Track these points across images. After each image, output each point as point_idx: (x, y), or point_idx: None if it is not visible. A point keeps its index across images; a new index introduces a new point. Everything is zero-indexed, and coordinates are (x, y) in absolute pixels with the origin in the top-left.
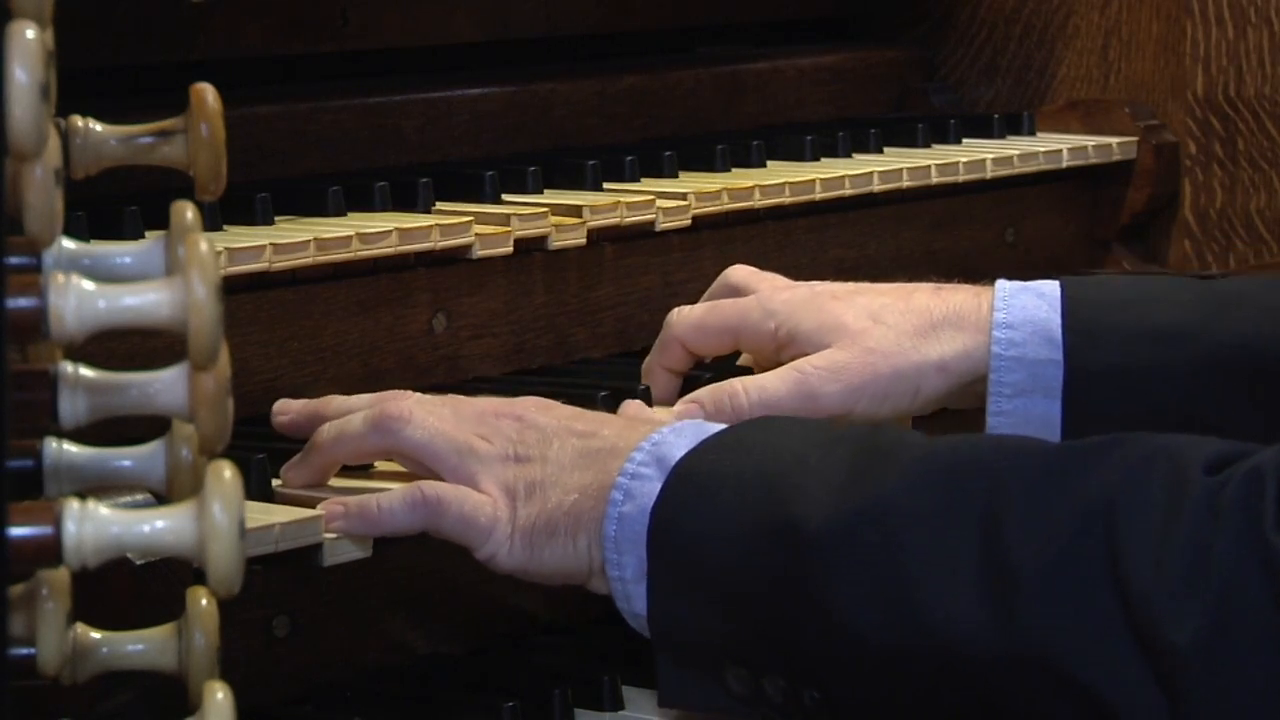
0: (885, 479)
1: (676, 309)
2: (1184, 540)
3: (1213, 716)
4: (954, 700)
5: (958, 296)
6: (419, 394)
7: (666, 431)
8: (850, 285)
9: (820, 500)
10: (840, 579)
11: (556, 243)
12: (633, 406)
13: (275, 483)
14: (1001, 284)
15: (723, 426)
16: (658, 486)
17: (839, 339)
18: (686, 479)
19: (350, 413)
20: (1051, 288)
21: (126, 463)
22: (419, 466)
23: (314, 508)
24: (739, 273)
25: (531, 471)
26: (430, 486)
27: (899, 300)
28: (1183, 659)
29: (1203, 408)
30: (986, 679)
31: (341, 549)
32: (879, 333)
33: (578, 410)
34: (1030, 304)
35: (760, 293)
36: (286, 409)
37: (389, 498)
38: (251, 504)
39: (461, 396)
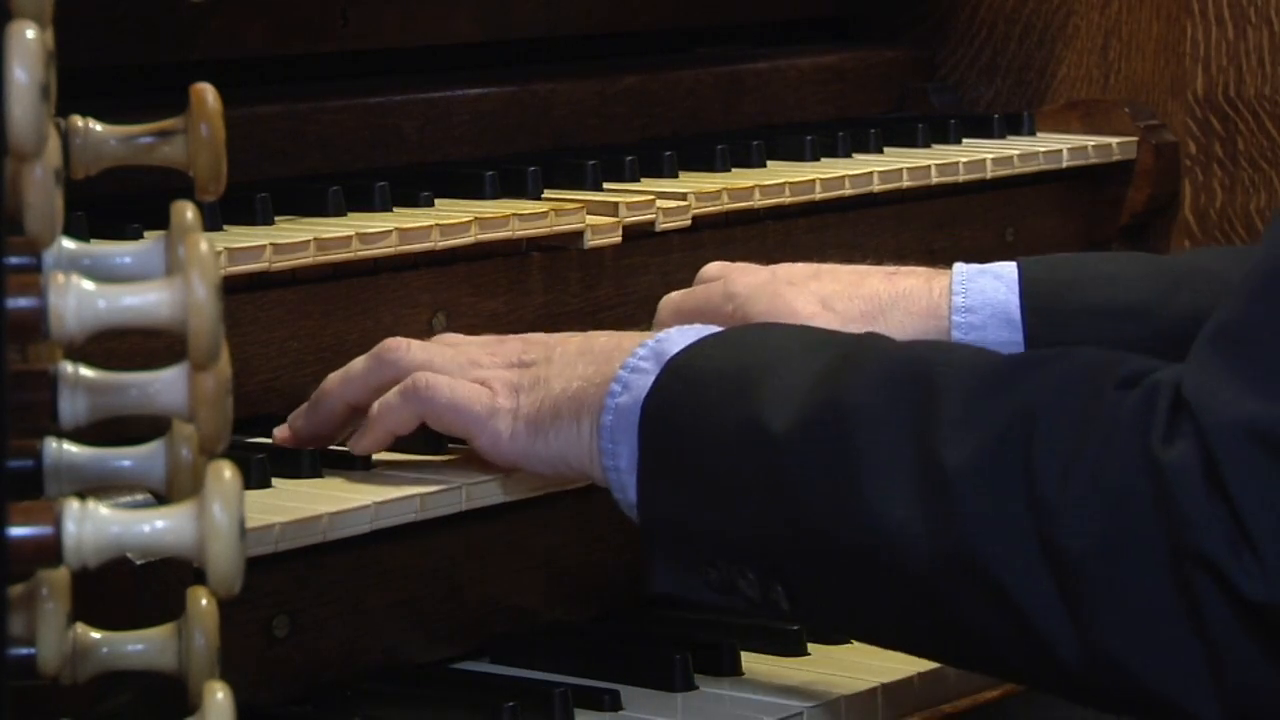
0: (848, 380)
1: (666, 296)
2: (1088, 452)
3: (1108, 626)
4: (900, 601)
5: (909, 281)
6: None
7: (673, 330)
8: (810, 269)
9: (789, 399)
10: (798, 474)
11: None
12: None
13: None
14: (959, 267)
15: (729, 328)
16: (652, 379)
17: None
18: (678, 372)
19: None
20: (1009, 269)
21: (126, 463)
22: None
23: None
24: (711, 268)
25: (535, 371)
26: (422, 375)
27: (850, 286)
28: (1076, 569)
29: None
30: (925, 580)
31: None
32: (826, 319)
33: (577, 333)
34: (989, 286)
35: (727, 277)
36: (292, 421)
37: (388, 395)
38: (252, 503)
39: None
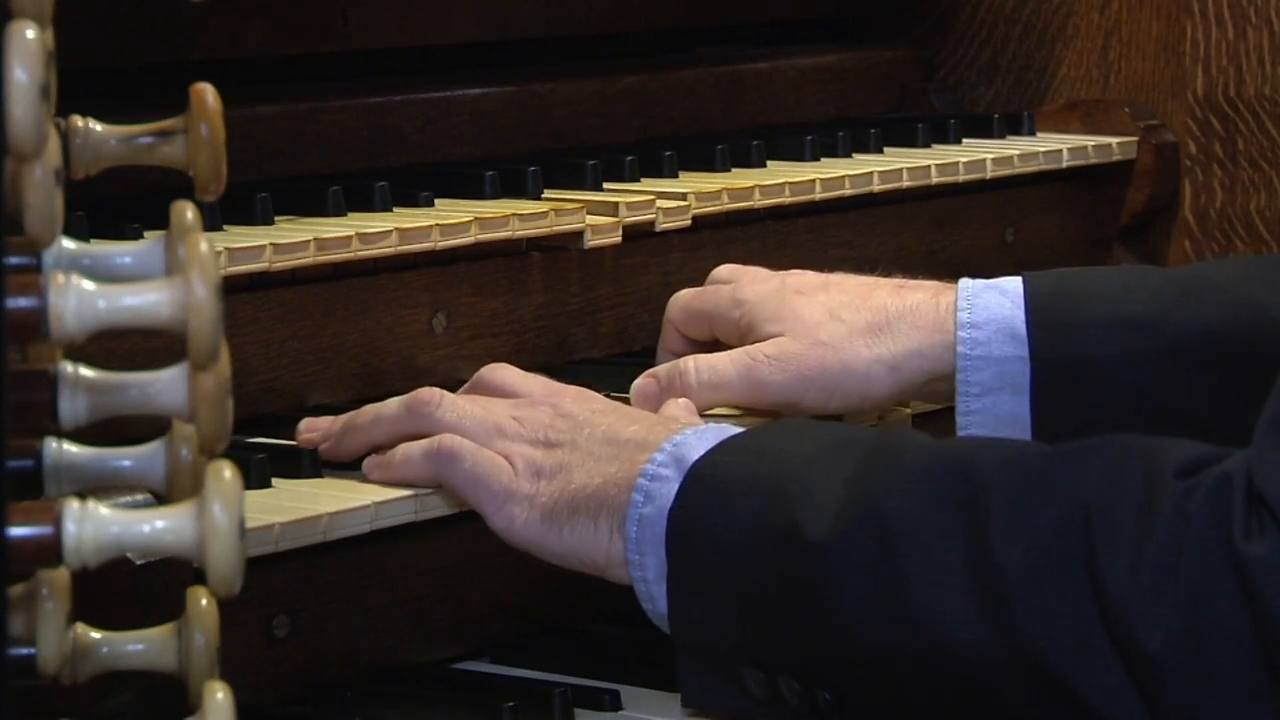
0: (884, 483)
1: (676, 293)
2: (1156, 547)
3: (1189, 718)
4: (955, 702)
5: (917, 295)
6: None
7: (689, 433)
8: (819, 278)
9: (824, 505)
10: (841, 581)
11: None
12: (674, 407)
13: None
14: (964, 282)
15: (743, 429)
16: (675, 488)
17: (792, 329)
18: (701, 481)
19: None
20: (1014, 284)
21: (126, 463)
22: None
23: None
24: (722, 271)
25: (559, 455)
26: (449, 438)
27: (858, 298)
28: (1155, 666)
29: (1172, 396)
30: (982, 680)
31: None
32: (832, 327)
33: (614, 404)
34: (994, 302)
35: (738, 282)
36: (314, 426)
37: (411, 446)
38: (252, 503)
39: (514, 376)
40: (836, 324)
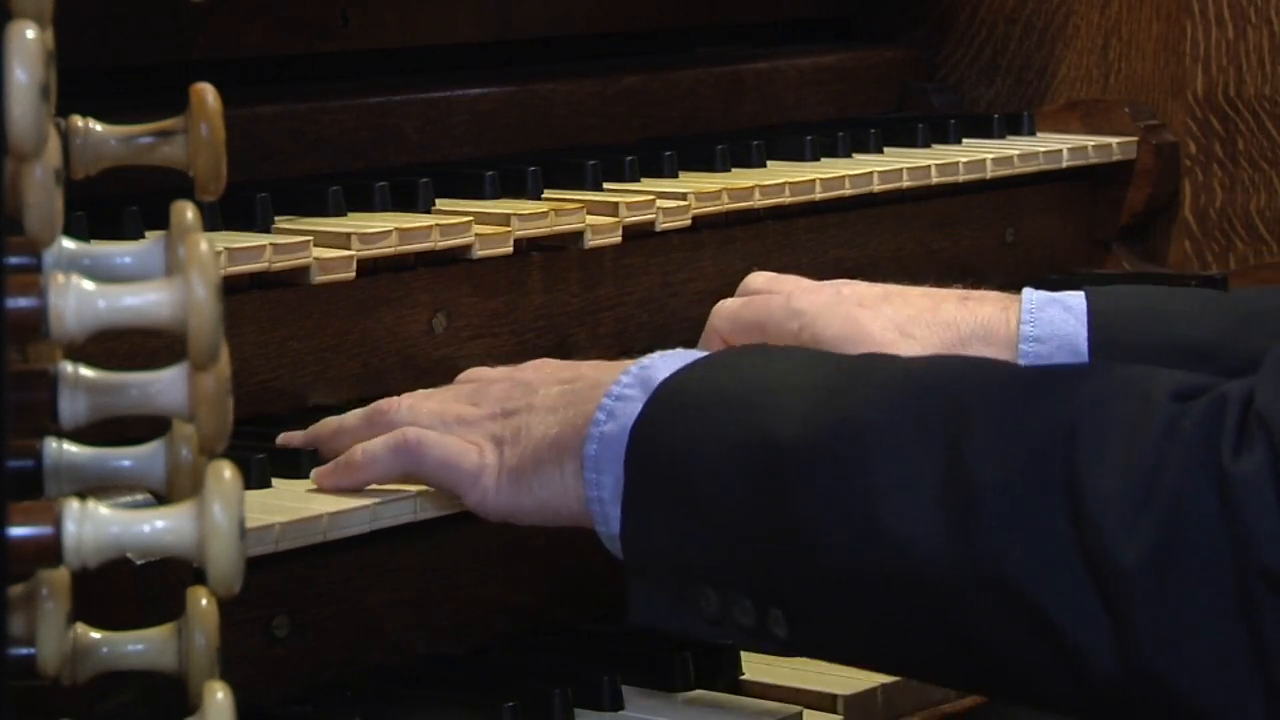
0: (860, 396)
1: (720, 301)
2: (1140, 464)
3: (1156, 639)
4: (915, 624)
5: (985, 309)
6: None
7: (654, 357)
8: (877, 289)
9: (795, 416)
10: (810, 494)
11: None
12: None
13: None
14: (1029, 295)
15: (710, 352)
16: (640, 405)
17: (862, 351)
18: (670, 396)
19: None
20: (1078, 300)
21: (126, 463)
22: None
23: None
24: (757, 280)
25: (518, 420)
26: (413, 430)
27: (926, 312)
28: (1128, 580)
29: None
30: (945, 599)
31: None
32: (905, 346)
33: (569, 363)
34: (1058, 318)
35: (788, 292)
36: (288, 441)
37: (372, 444)
38: (252, 503)
39: (484, 372)
40: (909, 342)
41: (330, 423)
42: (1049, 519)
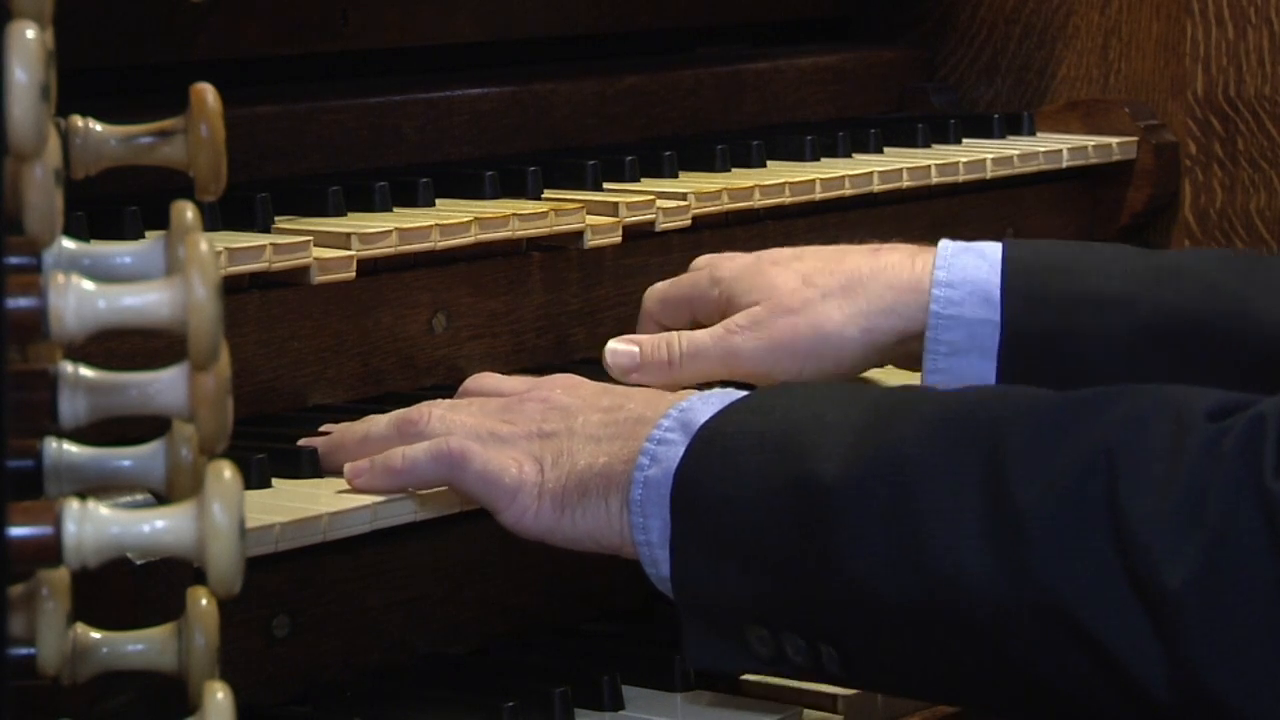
0: (897, 432)
1: (650, 286)
2: (1182, 485)
3: (1207, 661)
4: (967, 655)
5: (891, 256)
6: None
7: (694, 399)
8: (792, 251)
9: (835, 455)
10: (853, 532)
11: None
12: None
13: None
14: (945, 244)
15: (748, 392)
16: (682, 450)
17: (768, 300)
18: (710, 440)
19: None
20: (994, 249)
21: (126, 463)
22: None
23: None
24: (699, 260)
25: (558, 444)
26: (457, 440)
27: (831, 262)
28: (1176, 603)
29: (1138, 375)
30: (996, 630)
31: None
32: (805, 293)
33: (604, 386)
34: (971, 264)
35: (712, 263)
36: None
37: (414, 449)
38: (252, 503)
39: (496, 380)
40: (809, 289)
41: (355, 429)
42: (1093, 544)
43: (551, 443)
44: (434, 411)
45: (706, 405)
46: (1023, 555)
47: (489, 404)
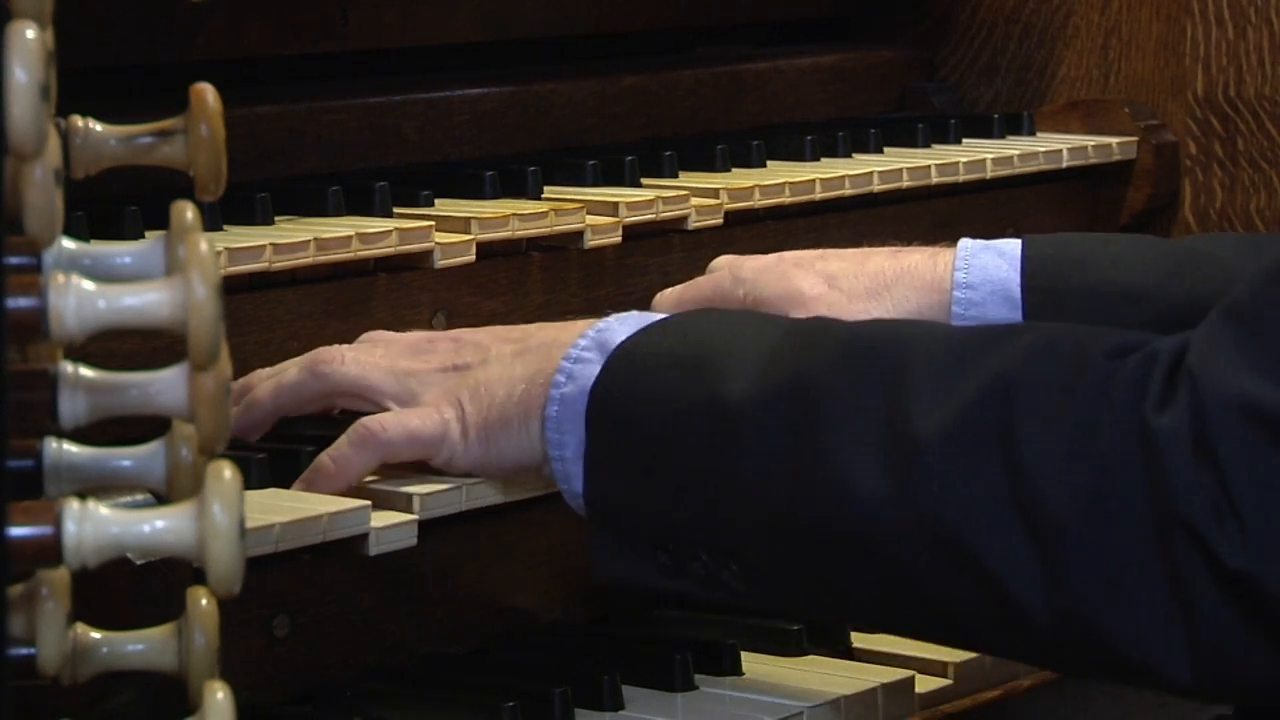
0: (807, 356)
1: (660, 293)
2: (1074, 416)
3: (1084, 588)
4: (861, 574)
5: (914, 257)
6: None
7: (610, 320)
8: (815, 252)
9: (744, 377)
10: (759, 453)
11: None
12: None
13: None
14: (964, 243)
15: (664, 315)
16: (598, 368)
17: (795, 306)
18: (626, 359)
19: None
20: (1013, 246)
21: (126, 463)
22: (364, 405)
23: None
24: (720, 260)
25: (474, 376)
26: (369, 419)
27: (855, 264)
28: (1058, 528)
29: None
30: (889, 549)
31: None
32: (832, 298)
33: (511, 326)
34: (991, 263)
35: (733, 264)
36: (252, 381)
37: (337, 447)
38: (252, 503)
39: (395, 334)
40: (836, 294)
41: (266, 381)
42: (985, 472)
43: (468, 376)
44: (346, 353)
45: (623, 326)
46: (913, 476)
47: (398, 342)
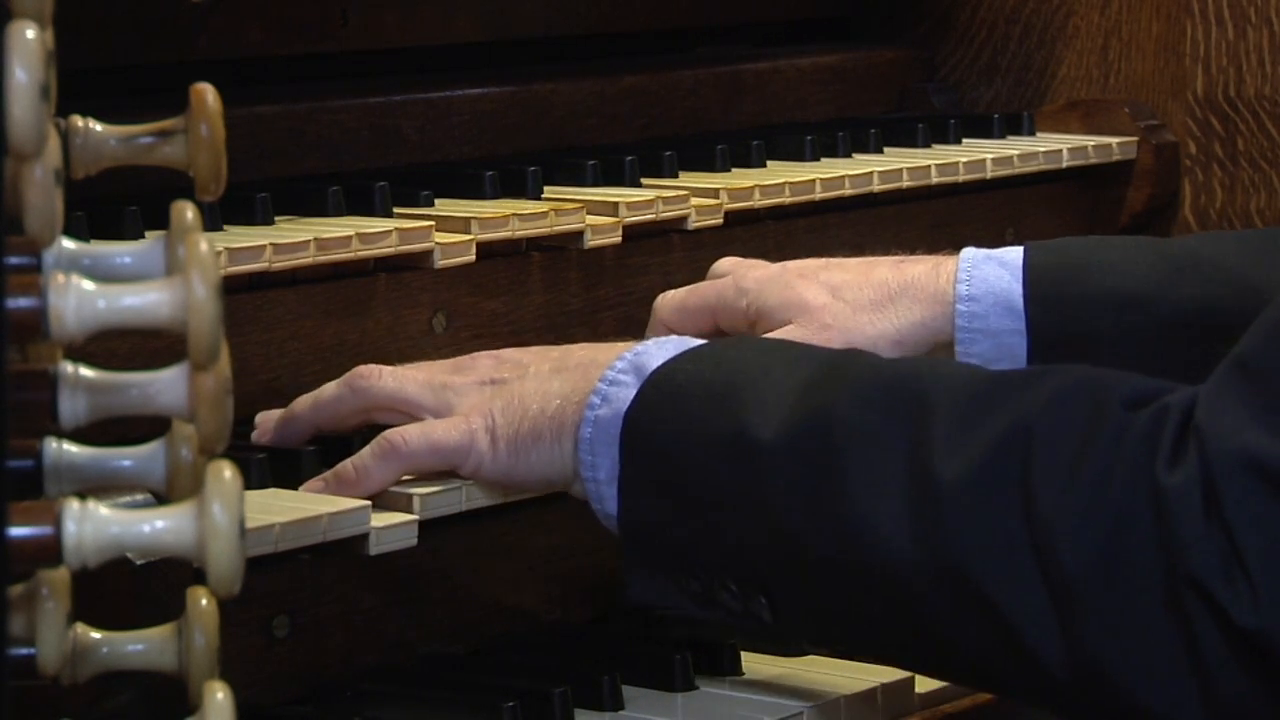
0: (834, 394)
1: (662, 294)
2: (1090, 470)
3: (1099, 640)
4: (884, 611)
5: (917, 268)
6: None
7: (649, 344)
8: (819, 262)
9: (774, 411)
10: (782, 485)
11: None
12: None
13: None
14: (966, 253)
15: (703, 341)
16: (633, 392)
17: (799, 315)
18: (660, 385)
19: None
20: (1014, 255)
21: (126, 463)
22: (403, 419)
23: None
24: (724, 263)
25: (509, 389)
26: (393, 431)
27: (859, 275)
28: (1073, 583)
29: (1166, 371)
30: (910, 592)
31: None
32: (836, 308)
33: (549, 346)
34: (992, 274)
35: (736, 273)
36: (265, 420)
37: (360, 457)
38: (252, 503)
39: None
40: (840, 304)
41: (305, 397)
42: (1004, 520)
43: (503, 389)
44: (385, 368)
45: (661, 350)
46: (936, 519)
47: (439, 363)
